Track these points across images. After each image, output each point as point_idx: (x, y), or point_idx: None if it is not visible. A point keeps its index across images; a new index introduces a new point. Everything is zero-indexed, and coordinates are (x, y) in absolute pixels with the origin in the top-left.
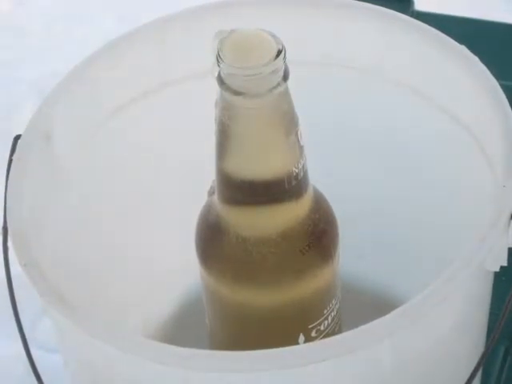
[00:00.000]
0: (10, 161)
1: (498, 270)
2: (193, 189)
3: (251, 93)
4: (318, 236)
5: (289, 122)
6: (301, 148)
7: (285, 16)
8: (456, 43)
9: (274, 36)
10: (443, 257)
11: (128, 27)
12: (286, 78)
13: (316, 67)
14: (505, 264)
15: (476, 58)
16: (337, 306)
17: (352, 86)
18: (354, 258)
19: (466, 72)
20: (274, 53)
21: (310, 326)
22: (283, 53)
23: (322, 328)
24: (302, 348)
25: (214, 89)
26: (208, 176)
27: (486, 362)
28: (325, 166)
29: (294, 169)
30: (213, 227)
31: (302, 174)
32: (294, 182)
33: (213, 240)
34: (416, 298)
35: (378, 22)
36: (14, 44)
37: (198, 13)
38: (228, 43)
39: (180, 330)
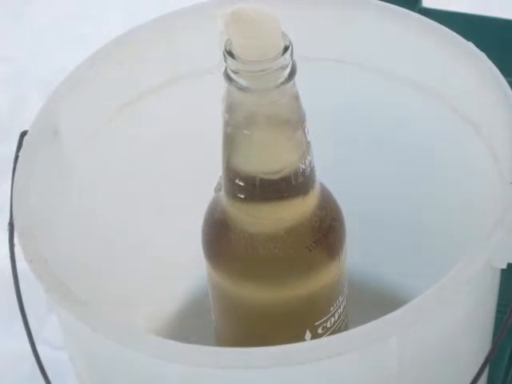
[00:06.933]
0: (17, 157)
1: (504, 267)
2: (194, 187)
3: (258, 89)
4: (324, 233)
5: (296, 118)
6: (308, 144)
7: (290, 13)
8: (463, 40)
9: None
10: (450, 254)
11: (134, 24)
12: (293, 73)
13: (320, 64)
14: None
15: (483, 55)
16: (343, 303)
17: (357, 83)
18: (360, 255)
19: (474, 69)
20: (281, 48)
21: (317, 323)
22: (290, 49)
23: (328, 325)
24: (308, 345)
25: (221, 85)
26: (211, 173)
27: (492, 361)
28: (328, 163)
29: (300, 165)
30: (219, 223)
31: (308, 170)
32: (300, 179)
33: (219, 236)
34: (422, 296)
35: (386, 19)
36: (20, 41)
37: (205, 9)
38: (234, 31)
39: (183, 327)
